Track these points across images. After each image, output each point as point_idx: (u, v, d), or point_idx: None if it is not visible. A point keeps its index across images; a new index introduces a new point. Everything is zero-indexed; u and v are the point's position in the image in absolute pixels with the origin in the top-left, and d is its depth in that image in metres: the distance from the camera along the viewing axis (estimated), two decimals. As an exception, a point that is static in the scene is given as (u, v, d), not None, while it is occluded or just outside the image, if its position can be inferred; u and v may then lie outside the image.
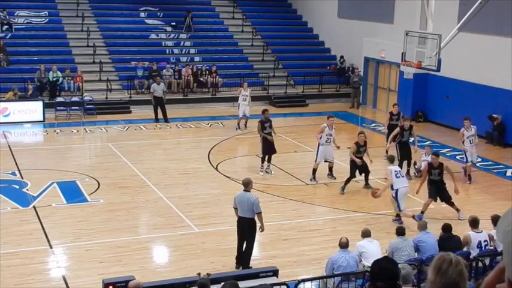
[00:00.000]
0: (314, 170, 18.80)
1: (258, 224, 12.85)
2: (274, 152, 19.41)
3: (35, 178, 18.42)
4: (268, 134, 19.29)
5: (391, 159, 16.57)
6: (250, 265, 12.76)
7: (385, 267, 3.90)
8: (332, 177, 19.09)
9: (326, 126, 18.62)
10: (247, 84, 25.82)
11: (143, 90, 29.01)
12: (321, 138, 18.57)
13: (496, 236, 11.90)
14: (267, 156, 19.43)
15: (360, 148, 17.77)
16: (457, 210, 16.09)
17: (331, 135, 18.68)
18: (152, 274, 12.42)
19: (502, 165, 21.25)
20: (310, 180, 18.79)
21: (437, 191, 16.14)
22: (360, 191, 18.49)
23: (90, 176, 18.80)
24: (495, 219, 12.29)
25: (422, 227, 12.19)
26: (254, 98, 29.62)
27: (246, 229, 12.77)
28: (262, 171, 19.35)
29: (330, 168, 19.08)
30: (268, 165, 19.55)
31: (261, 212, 12.72)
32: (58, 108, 26.57)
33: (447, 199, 16.16)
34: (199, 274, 10.19)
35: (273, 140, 19.35)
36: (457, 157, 22.24)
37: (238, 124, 24.84)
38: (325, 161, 18.89)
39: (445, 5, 25.63)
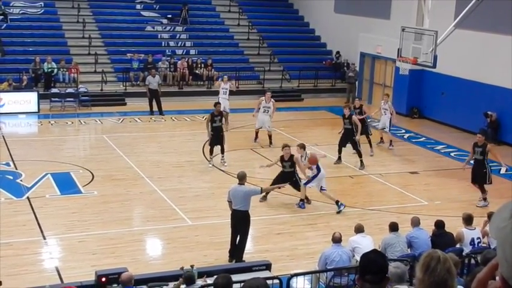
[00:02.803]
0: (256, 134, 22.10)
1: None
2: (222, 143, 19.47)
3: (29, 169, 18.39)
4: (217, 127, 19.37)
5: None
6: (243, 259, 12.79)
7: (372, 260, 3.90)
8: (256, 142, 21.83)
9: (263, 99, 21.76)
10: (227, 77, 25.45)
11: (138, 82, 28.96)
12: (259, 108, 21.68)
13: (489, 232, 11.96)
14: (219, 148, 19.45)
15: (284, 163, 16.54)
16: (484, 198, 17.01)
17: (268, 107, 21.50)
18: (145, 266, 12.43)
19: (496, 163, 21.27)
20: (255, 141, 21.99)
21: (477, 170, 17.06)
22: (354, 186, 18.53)
23: (84, 167, 18.78)
24: (491, 216, 12.31)
25: (415, 223, 12.22)
26: (249, 92, 29.75)
27: (240, 222, 12.79)
28: (211, 164, 19.39)
29: (269, 137, 21.81)
30: (222, 157, 19.58)
31: (261, 188, 13.12)
32: (53, 99, 26.51)
33: (481, 182, 17.07)
34: (182, 268, 10.23)
35: (222, 133, 19.55)
36: (452, 154, 22.29)
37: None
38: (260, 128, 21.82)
39: (442, 1, 25.63)
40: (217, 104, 20.10)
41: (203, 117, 25.83)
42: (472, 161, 17.30)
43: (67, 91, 27.02)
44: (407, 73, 25.60)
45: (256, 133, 22.14)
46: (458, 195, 18.05)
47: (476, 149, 17.05)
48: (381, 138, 22.77)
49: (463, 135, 24.92)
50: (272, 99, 21.92)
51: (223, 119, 20.23)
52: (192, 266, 10.19)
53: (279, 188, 13.74)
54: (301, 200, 16.42)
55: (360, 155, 19.92)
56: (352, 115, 20.42)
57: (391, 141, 22.32)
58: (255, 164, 20.00)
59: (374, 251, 4.28)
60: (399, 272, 7.54)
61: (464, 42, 24.59)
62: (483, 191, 17.14)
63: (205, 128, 19.67)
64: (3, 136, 22.06)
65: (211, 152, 19.51)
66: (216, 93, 28.60)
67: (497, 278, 2.51)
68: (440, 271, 3.25)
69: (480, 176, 17.09)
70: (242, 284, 8.13)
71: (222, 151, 19.56)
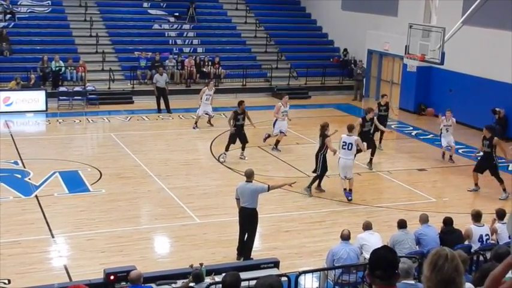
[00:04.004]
0: (277, 142, 21.13)
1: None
2: (245, 140, 19.95)
3: (37, 167, 18.44)
4: (240, 125, 19.75)
5: (349, 128, 17.01)
6: (251, 256, 12.79)
7: (382, 256, 3.89)
8: (277, 150, 21.00)
9: (281, 105, 21.11)
10: (213, 83, 25.23)
11: (146, 80, 28.99)
12: (277, 114, 20.95)
13: (500, 230, 11.92)
14: (231, 145, 19.87)
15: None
16: (504, 189, 17.46)
17: (286, 111, 21.17)
18: (153, 264, 12.45)
19: (504, 159, 21.20)
20: (272, 149, 21.03)
21: (485, 163, 17.72)
22: (362, 183, 18.49)
23: (92, 166, 18.82)
24: (499, 213, 12.30)
25: (424, 220, 12.19)
26: (257, 90, 29.78)
27: (248, 220, 12.79)
28: (223, 158, 19.75)
29: (278, 141, 21.18)
30: (242, 152, 20.02)
31: (269, 186, 12.89)
32: (60, 97, 26.58)
33: (495, 173, 17.64)
34: (191, 266, 10.26)
35: (244, 131, 19.94)
36: (460, 150, 22.21)
37: (196, 123, 24.10)
38: (280, 133, 21.01)
39: (449, -2, 25.54)
40: (241, 102, 20.15)
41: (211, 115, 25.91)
42: (481, 153, 18.24)
43: (75, 89, 27.10)
44: (415, 70, 25.56)
45: (278, 141, 21.21)
46: (467, 192, 18.01)
47: (484, 141, 17.78)
48: (444, 153, 21.23)
49: (471, 131, 24.82)
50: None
51: (247, 118, 20.26)
52: (201, 264, 10.20)
53: (290, 185, 13.72)
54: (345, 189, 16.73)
55: (373, 154, 19.87)
56: (375, 117, 20.20)
57: (451, 156, 20.91)
58: (263, 161, 20.01)
59: (384, 247, 4.28)
60: (406, 267, 7.53)
61: (472, 39, 24.51)
62: (501, 181, 17.61)
63: (228, 125, 19.96)
64: (11, 135, 22.14)
65: (227, 147, 19.76)
66: (223, 91, 28.66)
67: (509, 274, 2.50)
68: (448, 269, 3.24)
69: (491, 168, 17.68)
70: (251, 281, 8.14)
71: (243, 148, 19.96)
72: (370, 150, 19.60)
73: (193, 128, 23.94)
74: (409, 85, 28.24)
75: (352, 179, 16.76)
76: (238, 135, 19.75)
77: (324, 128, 16.99)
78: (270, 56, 32.72)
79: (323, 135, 16.94)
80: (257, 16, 34.95)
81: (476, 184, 17.98)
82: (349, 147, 16.52)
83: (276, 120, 21.07)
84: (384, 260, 3.84)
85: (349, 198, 16.53)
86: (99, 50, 29.91)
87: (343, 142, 16.56)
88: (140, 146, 21.29)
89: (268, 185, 13.03)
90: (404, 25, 24.11)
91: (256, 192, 12.72)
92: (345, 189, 16.69)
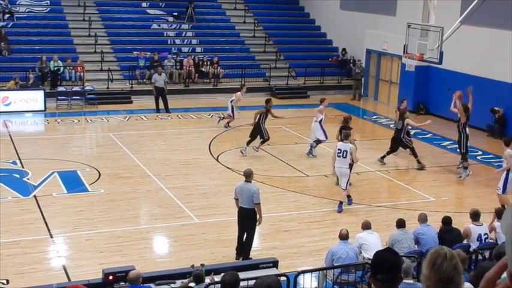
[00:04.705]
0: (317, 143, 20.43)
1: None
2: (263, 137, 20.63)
3: (35, 167, 18.42)
4: (263, 122, 20.43)
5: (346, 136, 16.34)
6: (250, 256, 12.78)
7: (384, 258, 3.88)
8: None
9: (323, 108, 20.67)
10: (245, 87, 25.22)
11: (144, 80, 28.98)
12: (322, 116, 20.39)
13: (499, 229, 11.94)
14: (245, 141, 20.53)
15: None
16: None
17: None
18: (152, 264, 12.45)
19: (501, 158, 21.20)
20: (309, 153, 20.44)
21: None
22: (361, 183, 18.50)
23: (91, 165, 18.81)
24: (499, 212, 12.31)
25: (423, 219, 12.19)
26: (256, 89, 29.77)
27: (247, 220, 12.78)
28: (244, 152, 20.37)
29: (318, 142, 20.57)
30: (246, 147, 20.45)
31: (259, 203, 12.68)
32: (59, 97, 26.57)
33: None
34: (193, 266, 10.27)
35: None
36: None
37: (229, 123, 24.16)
38: (326, 137, 20.42)
39: (448, -3, 25.55)
40: (270, 100, 21.06)
41: (209, 115, 25.90)
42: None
43: (73, 89, 27.08)
44: (413, 69, 25.54)
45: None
46: (465, 191, 18.02)
47: None
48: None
49: (470, 131, 24.80)
50: None
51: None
52: (202, 265, 10.20)
53: (259, 222, 13.24)
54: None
55: (389, 153, 20.13)
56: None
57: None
58: (262, 161, 20.01)
59: (388, 249, 4.26)
60: (405, 267, 7.53)
61: (470, 38, 24.52)
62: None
63: (253, 119, 20.46)
64: (10, 134, 22.13)
65: (249, 143, 20.31)
66: (221, 91, 28.61)
67: (504, 275, 2.49)
68: (447, 268, 3.24)
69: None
70: (250, 281, 8.15)
71: (249, 143, 20.41)
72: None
73: (220, 118, 24.52)
74: (407, 85, 28.23)
75: (346, 190, 16.07)
76: (260, 130, 20.25)
77: (346, 120, 17.63)
78: (268, 55, 32.72)
79: (346, 128, 17.23)
80: (256, 16, 34.94)
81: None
82: (344, 155, 15.84)
83: (321, 125, 20.39)
84: (385, 262, 3.83)
85: (339, 210, 15.90)
86: (97, 49, 29.90)
87: (338, 149, 15.93)
88: (139, 145, 21.28)
89: (259, 203, 12.77)
90: (402, 24, 24.10)
91: (252, 196, 12.64)
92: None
